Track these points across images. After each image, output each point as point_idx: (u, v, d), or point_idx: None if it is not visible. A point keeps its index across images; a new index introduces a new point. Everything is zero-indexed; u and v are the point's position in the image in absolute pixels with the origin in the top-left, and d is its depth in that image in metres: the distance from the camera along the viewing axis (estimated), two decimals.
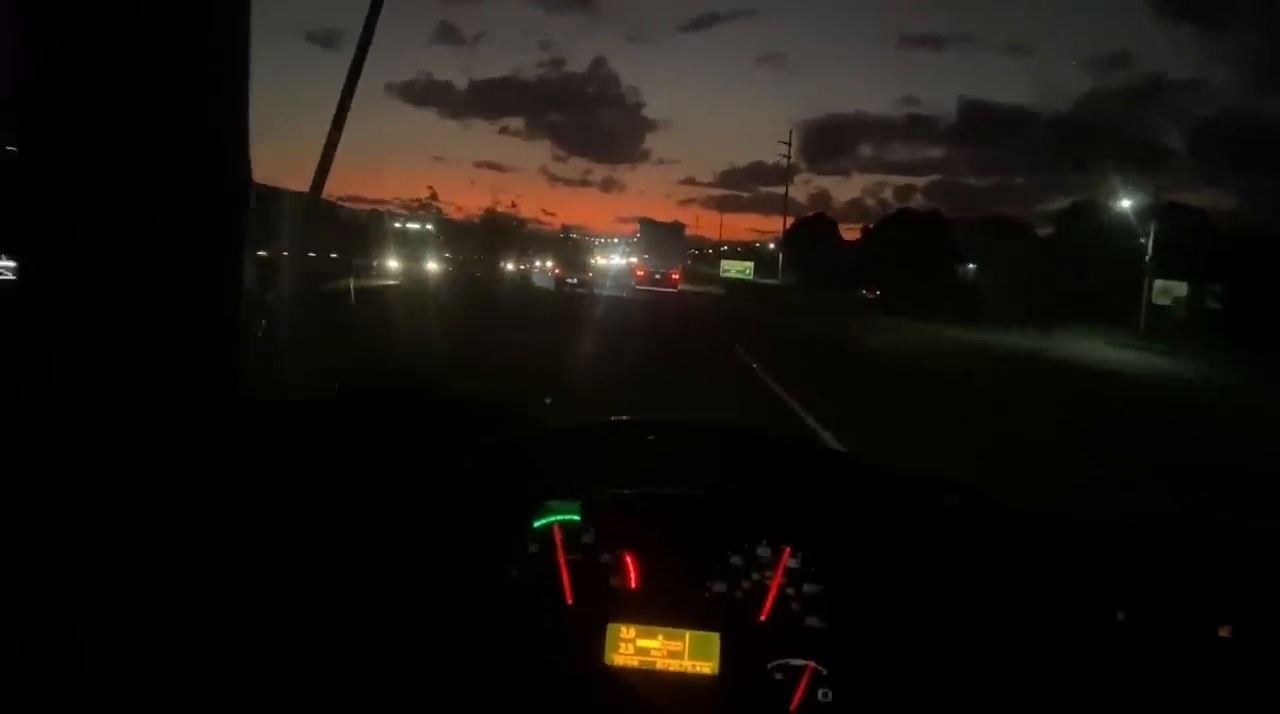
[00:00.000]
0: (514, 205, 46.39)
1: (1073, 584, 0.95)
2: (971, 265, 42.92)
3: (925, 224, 49.44)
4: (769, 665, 0.98)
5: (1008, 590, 0.96)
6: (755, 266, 59.34)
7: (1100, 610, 0.94)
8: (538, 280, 29.50)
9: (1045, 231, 42.89)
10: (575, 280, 27.17)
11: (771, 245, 66.09)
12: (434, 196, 37.07)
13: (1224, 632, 0.94)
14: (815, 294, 38.89)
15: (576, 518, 1.00)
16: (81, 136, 0.76)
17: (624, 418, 1.14)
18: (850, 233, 58.83)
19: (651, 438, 1.11)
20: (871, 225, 58.81)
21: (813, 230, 58.24)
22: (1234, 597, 0.95)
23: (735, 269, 58.57)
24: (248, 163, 0.86)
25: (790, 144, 51.71)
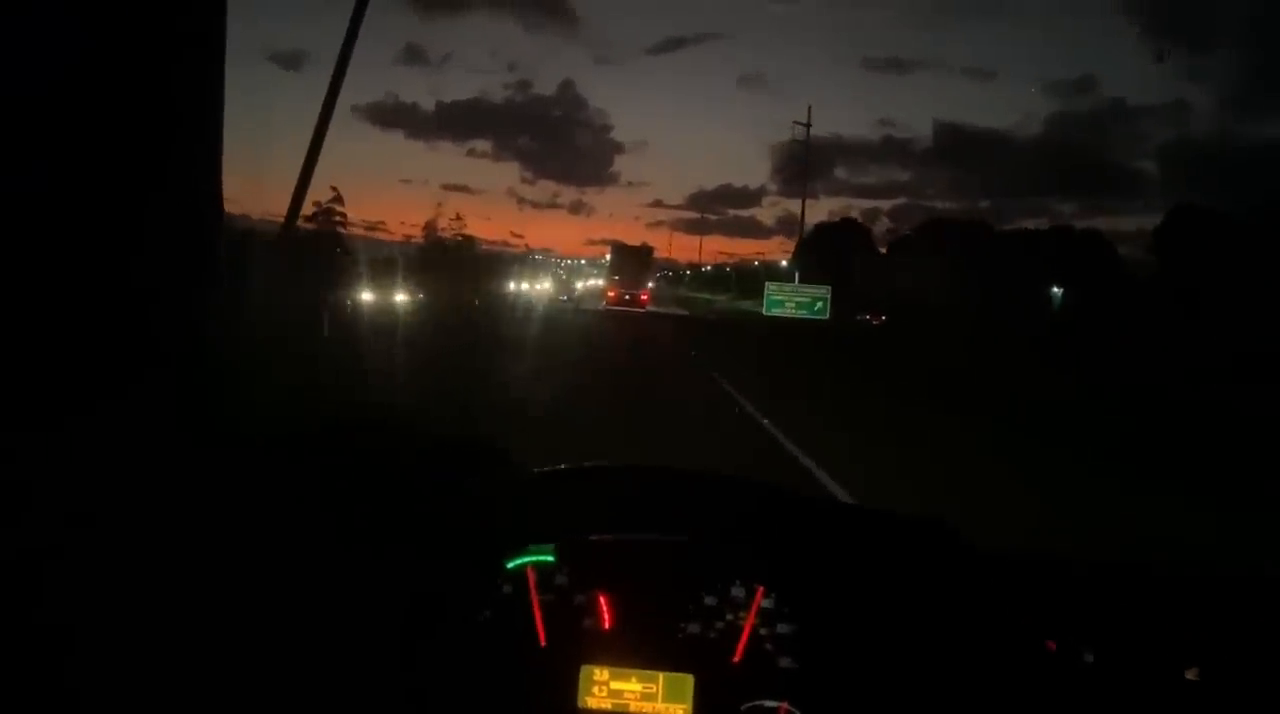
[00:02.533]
0: (459, 218, 37.58)
1: (1042, 626, 1.05)
2: (1057, 288, 32.10)
3: (968, 235, 37.63)
4: (743, 707, 1.05)
5: (978, 630, 1.05)
6: (742, 293, 50.86)
7: (1070, 652, 1.03)
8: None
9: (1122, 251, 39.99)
10: (565, 297, 41.40)
11: (783, 262, 53.99)
12: (337, 199, 30.05)
13: (1191, 674, 1.01)
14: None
15: (550, 559, 1.08)
16: (53, 162, 0.83)
17: (598, 463, 1.22)
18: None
19: (625, 482, 1.20)
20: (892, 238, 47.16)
21: (837, 241, 46.44)
22: (1201, 639, 1.04)
23: (795, 300, 38.46)
24: (219, 195, 0.95)
25: (809, 125, 40.73)
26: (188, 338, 0.93)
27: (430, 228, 38.46)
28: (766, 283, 40.24)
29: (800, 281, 44.80)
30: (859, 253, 49.04)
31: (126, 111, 0.84)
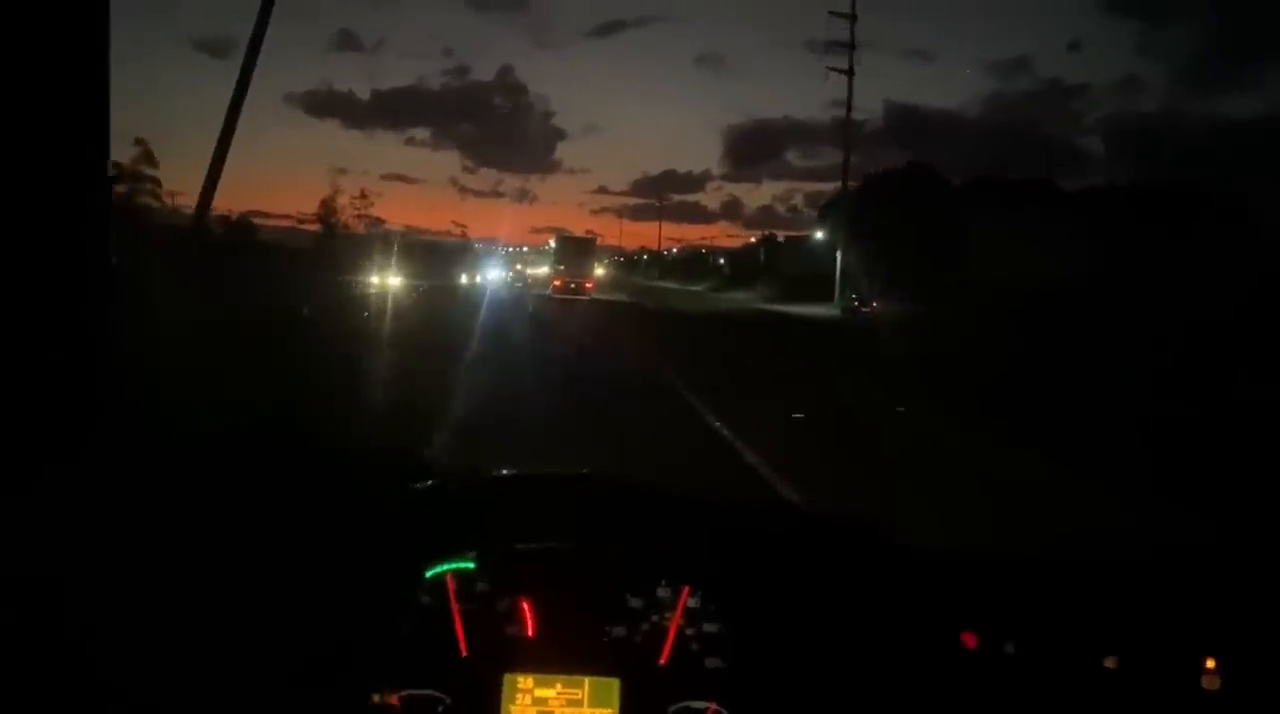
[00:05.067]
0: (363, 197, 26.74)
1: (964, 620, 1.16)
2: None
3: (1030, 196, 34.26)
4: (670, 709, 1.14)
5: (902, 626, 1.16)
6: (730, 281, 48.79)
7: (992, 644, 1.14)
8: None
9: None
10: (520, 283, 50.81)
11: (817, 234, 43.33)
12: (146, 157, 24.90)
13: (1110, 662, 1.13)
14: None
15: (471, 566, 1.17)
16: None
17: (512, 471, 1.32)
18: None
19: (545, 489, 1.31)
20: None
21: (902, 194, 34.83)
22: (1119, 628, 1.16)
23: None
24: (107, 181, 1.00)
25: (854, 16, 39.62)
26: (78, 344, 0.96)
27: (328, 209, 29.49)
28: None
29: (844, 259, 33.51)
30: (930, 210, 35.46)
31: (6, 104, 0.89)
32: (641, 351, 16.44)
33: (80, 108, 0.91)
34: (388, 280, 27.29)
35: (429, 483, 1.28)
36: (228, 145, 1.25)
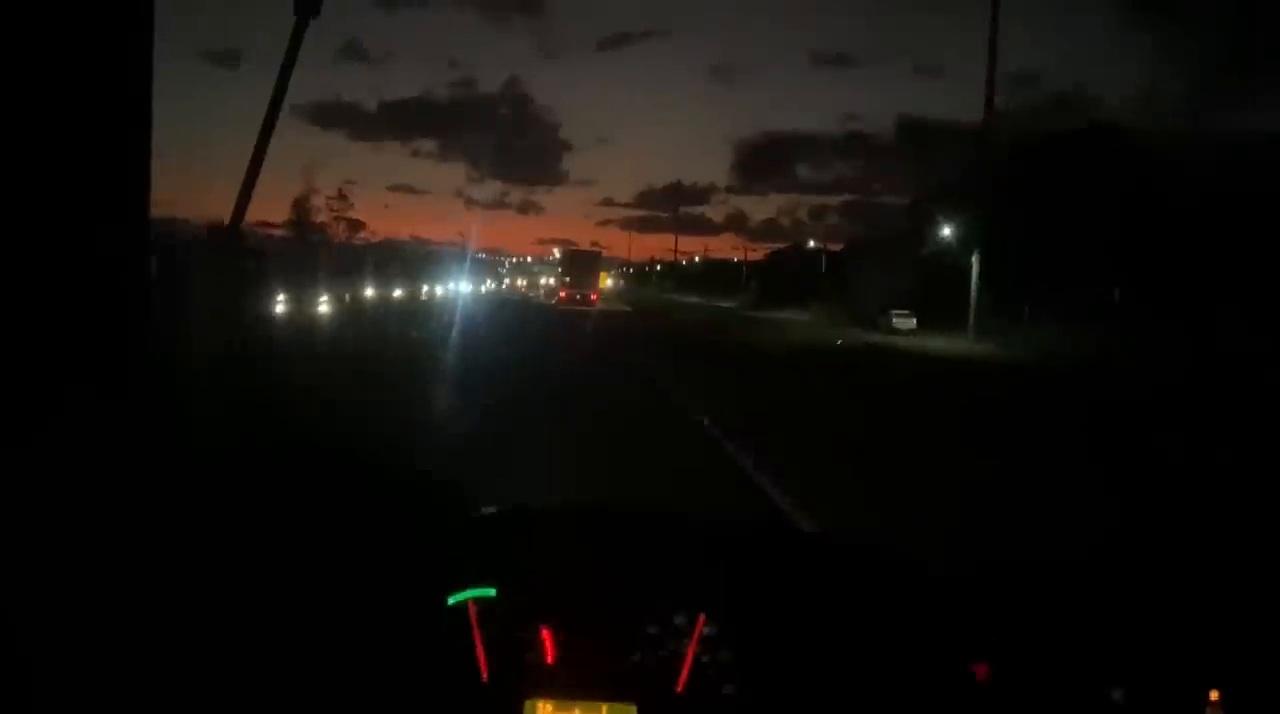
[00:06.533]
0: (342, 196, 35.05)
1: (977, 650, 1.17)
2: None
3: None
4: None
5: (916, 655, 1.19)
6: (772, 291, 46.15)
7: (1002, 675, 1.15)
8: None
9: None
10: (534, 293, 70.26)
11: (945, 231, 31.41)
12: None
13: (1116, 694, 1.14)
14: None
15: (492, 594, 1.23)
16: None
17: (532, 503, 1.37)
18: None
19: (566, 520, 1.36)
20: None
21: (1086, 166, 23.43)
22: (1128, 659, 1.18)
23: None
24: (147, 202, 1.00)
25: None
26: (114, 354, 0.98)
27: (301, 210, 30.81)
28: None
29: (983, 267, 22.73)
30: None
31: (45, 112, 0.89)
32: None
33: (123, 114, 0.92)
34: None
35: (453, 512, 1.34)
36: (259, 167, 1.28)
